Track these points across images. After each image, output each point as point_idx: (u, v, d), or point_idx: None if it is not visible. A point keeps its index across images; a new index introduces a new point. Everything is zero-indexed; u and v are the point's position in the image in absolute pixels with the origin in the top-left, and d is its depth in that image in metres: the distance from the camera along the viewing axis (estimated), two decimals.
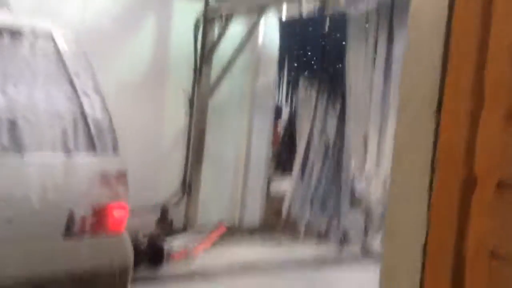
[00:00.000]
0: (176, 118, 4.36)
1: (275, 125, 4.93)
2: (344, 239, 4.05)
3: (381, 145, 3.14)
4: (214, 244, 3.88)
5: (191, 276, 3.19)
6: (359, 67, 3.42)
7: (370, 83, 3.27)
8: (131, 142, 4.15)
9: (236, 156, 4.74)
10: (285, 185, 4.47)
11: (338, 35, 3.87)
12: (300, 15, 4.32)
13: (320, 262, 3.71)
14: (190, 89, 4.34)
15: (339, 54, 3.77)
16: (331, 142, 3.80)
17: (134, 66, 4.24)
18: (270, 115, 4.80)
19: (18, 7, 3.14)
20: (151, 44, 4.35)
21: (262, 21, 4.45)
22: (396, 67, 2.98)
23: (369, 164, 3.22)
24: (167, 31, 4.41)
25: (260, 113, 4.72)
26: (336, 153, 3.75)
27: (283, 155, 4.71)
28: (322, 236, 4.16)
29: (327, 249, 4.04)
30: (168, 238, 3.55)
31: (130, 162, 4.10)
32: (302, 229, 3.78)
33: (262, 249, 3.98)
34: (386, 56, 3.18)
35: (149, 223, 3.91)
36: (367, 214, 3.54)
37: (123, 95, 4.13)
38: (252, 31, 4.45)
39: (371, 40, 3.30)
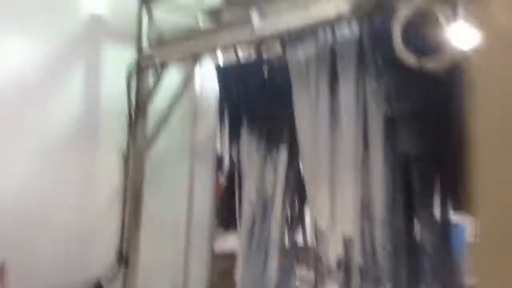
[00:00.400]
0: (109, 177, 4.01)
1: (218, 178, 4.69)
2: None
3: (335, 198, 2.94)
4: None
5: None
6: (303, 116, 3.26)
7: (316, 132, 3.11)
8: (58, 209, 3.78)
9: (177, 215, 4.42)
10: (230, 243, 4.18)
11: (277, 81, 3.73)
12: (238, 61, 4.16)
13: None
14: (124, 145, 4.01)
15: (279, 101, 3.63)
16: (269, 195, 3.60)
17: (61, 122, 3.90)
18: (212, 168, 4.55)
19: None
20: (80, 97, 4.04)
21: (199, 69, 4.25)
22: (343, 116, 2.82)
23: (322, 220, 3.01)
24: (97, 82, 4.13)
25: (201, 166, 4.47)
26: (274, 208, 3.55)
27: (226, 209, 4.45)
28: None
29: None
30: None
31: (57, 234, 3.75)
32: None
33: None
34: (330, 104, 3.05)
35: None
36: (320, 274, 3.32)
37: (48, 156, 3.78)
38: (188, 78, 4.23)
39: (313, 88, 3.16)
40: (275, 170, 3.56)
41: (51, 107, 3.85)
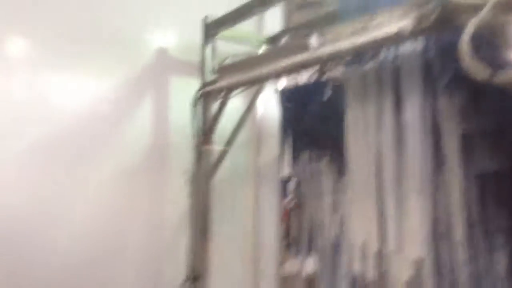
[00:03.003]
0: (178, 202, 4.16)
1: (283, 202, 4.70)
2: None
3: (402, 223, 2.85)
4: None
5: None
6: (359, 137, 3.19)
7: (376, 154, 3.04)
8: (132, 233, 3.97)
9: (244, 237, 4.50)
10: (298, 266, 4.15)
11: (339, 102, 3.72)
12: (298, 83, 4.20)
13: None
14: (191, 170, 4.15)
15: (340, 123, 3.59)
16: (329, 219, 3.52)
17: (132, 151, 4.12)
18: (276, 192, 4.59)
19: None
20: (149, 127, 4.26)
21: (261, 94, 4.35)
22: (410, 135, 2.75)
23: (390, 244, 2.92)
24: (165, 112, 4.34)
25: (265, 190, 4.53)
26: (337, 231, 3.47)
27: (293, 232, 4.42)
28: None
29: None
30: None
31: (132, 256, 3.92)
32: None
33: None
34: (394, 122, 3.00)
35: None
36: None
37: (122, 183, 4.00)
38: (250, 104, 4.35)
39: (373, 107, 3.12)
40: (339, 193, 3.49)
41: (123, 137, 4.09)
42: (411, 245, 2.69)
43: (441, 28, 2.36)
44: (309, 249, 3.70)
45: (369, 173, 3.06)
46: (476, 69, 2.05)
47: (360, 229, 3.10)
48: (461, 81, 2.40)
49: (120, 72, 4.11)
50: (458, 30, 2.15)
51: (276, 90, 4.37)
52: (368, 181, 3.08)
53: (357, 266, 3.12)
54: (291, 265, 4.50)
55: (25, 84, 3.72)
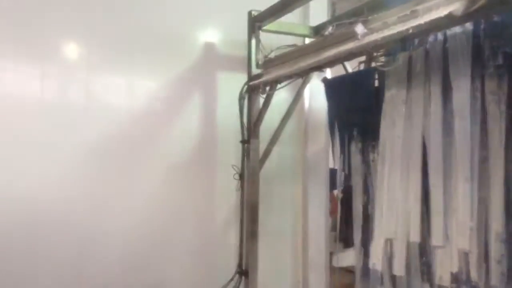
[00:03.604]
0: (227, 195, 4.22)
1: (332, 193, 4.65)
2: None
3: (449, 214, 2.71)
4: None
5: None
6: (398, 124, 3.06)
7: (421, 142, 2.90)
8: (183, 226, 4.09)
9: (293, 230, 4.49)
10: (349, 259, 4.09)
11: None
12: (345, 72, 4.11)
13: None
14: (239, 164, 4.20)
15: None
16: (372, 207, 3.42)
17: (183, 145, 4.22)
18: (325, 183, 4.55)
19: None
20: (199, 122, 4.33)
21: (307, 84, 4.31)
22: (458, 121, 2.61)
23: (435, 234, 2.79)
24: (213, 106, 4.39)
25: (314, 181, 4.48)
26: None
27: (343, 224, 4.37)
28: None
29: None
30: None
31: (183, 250, 4.04)
32: None
33: None
34: (443, 107, 2.86)
35: None
36: None
37: (173, 178, 4.11)
38: (297, 96, 4.32)
39: (418, 93, 2.98)
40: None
41: (174, 133, 4.17)
42: (458, 237, 2.57)
43: (493, 10, 2.22)
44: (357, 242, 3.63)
45: (411, 162, 2.92)
46: None
47: (394, 222, 2.98)
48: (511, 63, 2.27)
49: (170, 70, 4.20)
50: (509, 12, 2.03)
51: (321, 79, 4.31)
52: (410, 171, 2.94)
53: (383, 261, 3.01)
54: (341, 258, 4.45)
55: (81, 85, 3.91)
